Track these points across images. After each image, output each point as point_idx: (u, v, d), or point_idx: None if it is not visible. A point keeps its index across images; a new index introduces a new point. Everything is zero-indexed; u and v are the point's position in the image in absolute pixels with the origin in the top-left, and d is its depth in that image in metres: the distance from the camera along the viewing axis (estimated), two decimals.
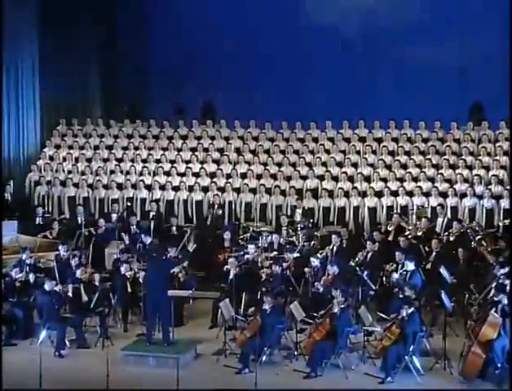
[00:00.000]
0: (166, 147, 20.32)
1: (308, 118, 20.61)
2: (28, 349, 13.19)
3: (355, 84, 21.88)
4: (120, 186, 19.11)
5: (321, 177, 18.70)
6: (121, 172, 19.61)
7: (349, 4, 22.18)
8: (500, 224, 16.80)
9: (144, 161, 19.90)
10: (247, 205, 18.42)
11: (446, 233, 16.33)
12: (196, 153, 19.91)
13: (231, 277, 14.47)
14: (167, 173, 19.35)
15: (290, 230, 16.72)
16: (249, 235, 17.05)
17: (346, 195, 18.10)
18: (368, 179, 18.54)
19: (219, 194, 18.42)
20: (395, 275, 14.08)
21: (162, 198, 18.73)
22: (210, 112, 22.32)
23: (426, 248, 15.50)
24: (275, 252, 15.88)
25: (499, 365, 11.69)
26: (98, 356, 12.62)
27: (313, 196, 18.19)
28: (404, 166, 18.78)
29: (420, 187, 17.77)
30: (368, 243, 15.31)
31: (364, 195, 18.07)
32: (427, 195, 17.69)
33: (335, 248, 15.31)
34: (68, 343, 13.43)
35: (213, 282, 15.72)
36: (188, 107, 22.43)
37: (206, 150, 20.04)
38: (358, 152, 19.50)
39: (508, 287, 12.51)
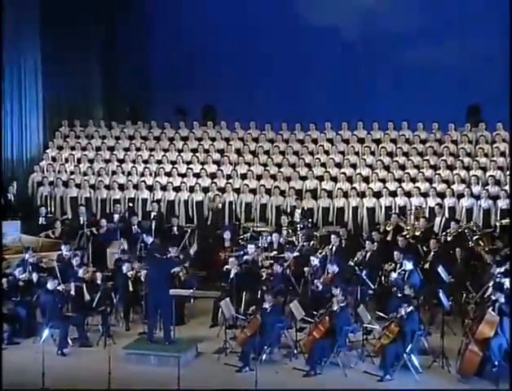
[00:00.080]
0: (167, 148, 20.34)
1: (308, 118, 20.61)
2: (31, 348, 13.18)
3: (354, 84, 21.87)
4: (121, 187, 19.13)
5: (320, 178, 18.72)
6: (123, 173, 19.63)
7: (349, 5, 22.15)
8: (498, 224, 16.80)
9: (146, 162, 19.92)
10: (247, 206, 18.43)
11: (444, 233, 16.35)
12: (196, 154, 19.92)
13: (231, 276, 14.48)
14: (168, 174, 19.37)
15: (290, 231, 16.72)
16: (249, 235, 17.04)
17: (345, 195, 18.11)
18: (366, 180, 18.56)
19: (220, 194, 18.42)
20: (394, 275, 14.07)
21: (163, 198, 18.73)
22: (211, 113, 22.32)
23: (424, 248, 15.49)
24: (275, 252, 15.90)
25: (496, 363, 11.68)
26: (100, 354, 12.64)
27: (312, 197, 18.21)
28: (403, 167, 18.80)
29: (418, 188, 17.79)
30: (366, 242, 15.33)
31: (362, 195, 18.09)
32: (425, 195, 17.72)
33: (334, 247, 15.33)
34: (70, 341, 13.43)
35: (213, 281, 15.74)
36: (189, 109, 22.42)
37: (207, 151, 20.06)
38: (357, 153, 19.51)
39: (505, 286, 12.50)
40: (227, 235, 16.56)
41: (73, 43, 21.70)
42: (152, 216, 17.88)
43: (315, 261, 14.66)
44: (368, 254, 15.06)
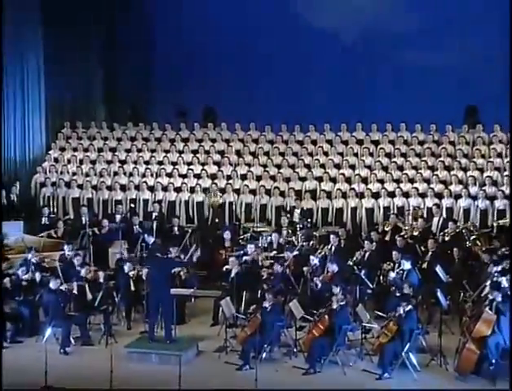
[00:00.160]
0: (168, 150, 20.36)
1: (308, 118, 20.62)
2: (33, 347, 13.19)
3: (354, 85, 21.87)
4: (123, 188, 19.14)
5: (320, 179, 18.73)
6: (125, 173, 19.64)
7: (349, 5, 22.13)
8: (495, 224, 16.82)
9: (147, 163, 19.93)
10: (247, 206, 18.44)
11: (441, 233, 16.36)
12: (197, 155, 19.93)
13: (232, 276, 14.48)
14: (169, 175, 19.38)
15: (290, 231, 16.73)
16: (249, 235, 17.05)
17: (344, 196, 18.11)
18: (365, 181, 18.58)
19: (220, 194, 18.43)
20: (392, 274, 14.07)
21: (164, 199, 18.73)
22: (211, 115, 22.34)
23: (422, 248, 15.51)
24: (275, 252, 15.91)
25: (493, 361, 11.70)
26: (102, 353, 12.66)
27: (312, 197, 18.21)
28: (401, 168, 18.81)
29: (416, 188, 17.81)
30: (365, 242, 15.34)
31: (361, 196, 18.10)
32: (423, 195, 17.73)
33: (333, 247, 15.33)
34: (72, 340, 13.44)
35: (214, 281, 15.74)
36: (189, 109, 22.43)
37: (207, 152, 20.07)
38: (355, 154, 19.52)
39: (502, 285, 12.50)
40: (227, 234, 16.58)
41: (74, 44, 21.68)
42: (154, 216, 17.89)
43: (314, 260, 14.66)
44: (367, 254, 15.06)
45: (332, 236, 15.59)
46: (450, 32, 21.23)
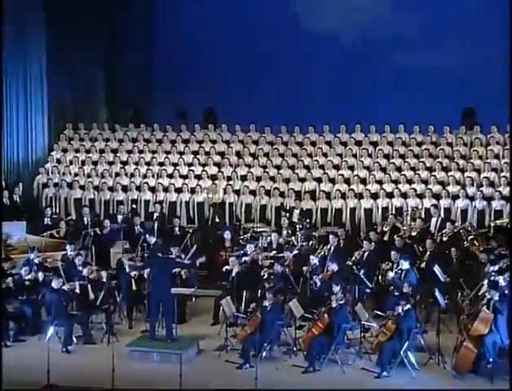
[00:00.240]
0: (169, 151, 20.38)
1: (308, 118, 20.62)
2: (36, 345, 13.18)
3: (354, 85, 21.86)
4: (125, 188, 19.15)
5: (319, 180, 18.74)
6: (126, 174, 19.64)
7: (349, 5, 22.11)
8: (492, 224, 16.82)
9: (148, 164, 19.95)
10: (247, 207, 18.45)
11: (439, 233, 16.37)
12: (197, 156, 19.94)
13: (233, 275, 14.48)
14: (170, 176, 19.39)
15: (290, 231, 16.73)
16: (249, 235, 17.05)
17: (343, 196, 18.12)
18: (364, 181, 18.59)
19: (219, 194, 18.45)
20: (391, 274, 14.05)
21: (165, 199, 18.74)
22: (212, 116, 22.35)
23: (421, 248, 15.51)
24: (275, 252, 15.91)
25: (490, 360, 11.71)
26: (104, 352, 12.61)
27: (311, 198, 18.21)
28: (399, 169, 18.83)
29: (414, 189, 17.82)
30: (364, 242, 15.33)
31: (360, 196, 18.11)
32: (421, 196, 17.73)
33: (332, 247, 15.31)
34: (75, 339, 13.43)
35: (214, 280, 15.73)
36: (189, 109, 22.44)
37: (208, 153, 20.07)
38: (354, 155, 19.52)
39: (499, 284, 12.50)
40: (227, 235, 16.58)
41: (76, 45, 21.67)
42: (155, 216, 17.90)
43: (314, 260, 14.66)
44: (366, 254, 15.05)
45: (331, 236, 15.57)
46: (450, 32, 21.20)
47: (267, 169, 19.22)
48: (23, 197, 18.99)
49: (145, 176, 19.48)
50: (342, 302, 12.62)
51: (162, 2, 23.59)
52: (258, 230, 17.39)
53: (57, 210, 18.93)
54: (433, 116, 19.73)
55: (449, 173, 18.24)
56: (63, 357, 12.84)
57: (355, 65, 22.28)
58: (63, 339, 13.23)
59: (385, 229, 16.63)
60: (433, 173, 18.31)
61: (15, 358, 12.71)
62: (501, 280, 12.64)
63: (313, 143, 20.18)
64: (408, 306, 12.20)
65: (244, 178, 19.10)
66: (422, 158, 18.97)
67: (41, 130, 21.17)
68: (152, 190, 19.01)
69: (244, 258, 15.11)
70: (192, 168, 19.50)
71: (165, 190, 18.89)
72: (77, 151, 20.76)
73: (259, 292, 14.04)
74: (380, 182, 18.38)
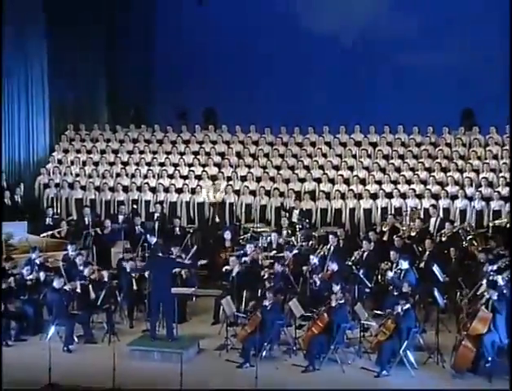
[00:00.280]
0: (170, 151, 20.38)
1: (308, 119, 20.62)
2: (37, 345, 13.19)
3: (354, 86, 21.84)
4: (125, 189, 19.16)
5: (318, 180, 18.74)
6: (127, 175, 19.65)
7: (348, 5, 22.09)
8: (490, 224, 16.83)
9: (149, 165, 19.96)
10: (247, 207, 18.46)
11: (438, 233, 16.37)
12: (198, 157, 19.95)
13: (233, 275, 14.48)
14: (171, 176, 19.40)
15: (290, 231, 16.73)
16: (249, 235, 17.06)
17: (343, 197, 18.13)
18: (363, 182, 18.59)
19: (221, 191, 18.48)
20: (390, 274, 14.07)
21: (166, 199, 18.74)
22: (212, 117, 22.36)
23: (420, 248, 15.51)
24: (274, 252, 15.92)
25: (489, 359, 11.71)
26: (105, 351, 12.61)
27: (311, 198, 18.21)
28: (398, 169, 18.83)
29: (413, 189, 17.81)
30: (363, 242, 15.33)
31: (359, 197, 18.11)
32: (420, 197, 17.74)
33: (332, 247, 15.32)
34: (76, 338, 13.44)
35: (214, 280, 15.74)
36: (191, 112, 22.46)
37: (208, 154, 20.08)
38: (354, 156, 19.53)
39: (498, 283, 12.51)
40: (227, 235, 16.58)
41: (77, 47, 21.67)
42: (155, 217, 17.90)
43: (314, 259, 14.67)
44: (365, 254, 15.06)
45: (331, 236, 15.58)
46: (450, 32, 21.16)
47: (266, 170, 19.23)
48: (24, 197, 19.00)
49: (146, 176, 19.49)
50: (341, 302, 12.63)
51: (162, 2, 23.59)
52: (258, 230, 17.38)
53: (58, 210, 18.95)
54: (432, 117, 19.71)
55: (448, 174, 18.24)
56: (64, 356, 12.84)
57: (354, 65, 22.28)
58: (64, 338, 13.23)
59: (384, 229, 16.63)
60: (432, 174, 18.32)
61: (17, 358, 12.72)
62: (500, 280, 12.66)
63: (313, 144, 20.19)
64: (408, 306, 12.21)
65: (244, 179, 19.10)
66: (421, 159, 18.98)
67: (43, 131, 21.18)
68: (153, 190, 19.02)
69: (244, 258, 15.11)
70: (192, 168, 19.51)
71: (166, 190, 18.90)
72: (78, 151, 20.77)
73: (259, 291, 14.05)
74: (379, 183, 18.38)
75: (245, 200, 18.47)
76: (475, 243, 15.72)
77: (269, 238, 16.36)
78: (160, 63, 23.83)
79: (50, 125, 21.43)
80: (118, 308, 14.67)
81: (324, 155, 19.64)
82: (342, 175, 18.67)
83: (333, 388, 11.64)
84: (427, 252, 15.09)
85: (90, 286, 13.92)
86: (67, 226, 17.50)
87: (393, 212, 17.42)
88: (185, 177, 19.28)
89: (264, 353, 12.57)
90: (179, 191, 18.87)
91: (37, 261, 14.86)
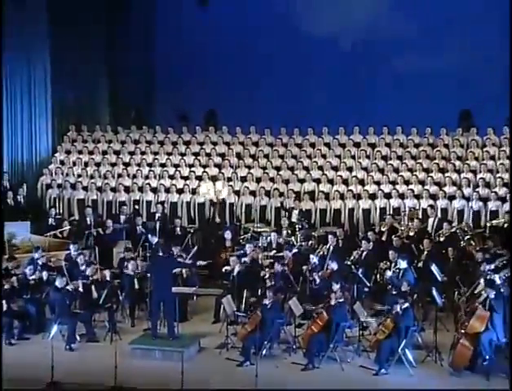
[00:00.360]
0: (171, 152, 20.36)
1: (308, 120, 20.61)
2: (40, 343, 13.20)
3: (354, 87, 21.83)
4: (127, 189, 19.16)
5: (318, 181, 18.74)
6: (128, 175, 19.65)
7: (348, 5, 22.08)
8: (488, 224, 16.83)
9: (150, 165, 19.96)
10: (247, 207, 18.45)
11: (436, 233, 16.37)
12: (198, 157, 19.94)
13: (234, 274, 14.48)
14: (171, 177, 19.40)
15: (289, 231, 16.73)
16: (249, 235, 17.06)
17: (342, 197, 18.12)
18: (362, 182, 18.58)
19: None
20: (389, 273, 14.08)
21: (167, 200, 18.74)
22: (213, 118, 22.36)
23: (418, 248, 15.49)
24: (274, 251, 15.92)
25: (487, 357, 11.71)
26: (107, 349, 12.64)
27: (310, 199, 18.20)
28: (397, 170, 18.83)
29: (411, 190, 17.80)
30: (362, 242, 15.34)
31: (358, 197, 18.11)
32: (418, 197, 17.74)
33: (331, 247, 15.32)
34: (78, 337, 13.45)
35: (215, 279, 15.74)
36: (192, 113, 22.48)
37: (208, 154, 20.08)
38: (353, 157, 19.52)
39: (495, 282, 12.51)
40: (227, 234, 16.58)
41: (79, 49, 21.65)
42: (157, 217, 17.90)
43: (314, 259, 14.68)
44: (364, 253, 15.06)
45: (330, 236, 15.59)
46: (450, 32, 21.10)
47: (266, 170, 19.23)
48: (27, 198, 18.99)
49: (147, 177, 19.49)
50: (340, 300, 12.63)
51: (162, 3, 23.59)
52: (258, 230, 17.37)
53: (60, 211, 18.94)
54: (431, 118, 19.70)
55: (446, 174, 18.23)
56: (66, 354, 12.85)
57: (354, 66, 22.24)
58: (66, 337, 13.25)
59: (383, 229, 16.62)
60: (430, 174, 18.30)
61: (20, 356, 12.75)
62: (497, 279, 12.66)
63: (312, 145, 20.18)
64: (407, 305, 12.21)
65: (244, 179, 19.10)
66: (419, 159, 18.97)
67: (45, 132, 21.19)
68: (154, 190, 19.02)
69: (243, 259, 15.09)
70: (193, 169, 19.50)
71: (167, 190, 18.90)
72: (80, 152, 20.77)
73: (259, 290, 14.05)
74: (378, 183, 18.38)
75: (245, 201, 18.46)
76: (473, 243, 15.71)
77: (269, 238, 16.36)
78: (160, 64, 23.86)
79: (52, 126, 21.43)
80: (120, 307, 14.68)
81: (324, 156, 19.64)
82: (341, 176, 18.66)
83: (332, 385, 11.64)
84: (425, 252, 15.11)
85: (93, 285, 13.92)
86: (69, 226, 17.53)
87: (391, 212, 17.42)
88: (186, 178, 19.28)
89: (264, 352, 12.57)
90: (180, 191, 18.87)
91: (40, 261, 14.86)
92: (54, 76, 21.13)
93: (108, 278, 14.21)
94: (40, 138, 20.99)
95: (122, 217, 17.84)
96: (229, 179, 19.09)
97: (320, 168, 19.15)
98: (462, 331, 11.90)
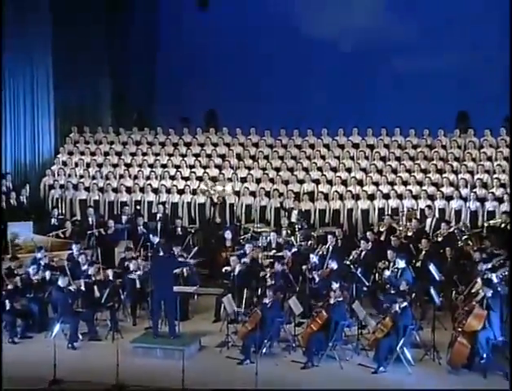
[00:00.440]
0: (172, 153, 20.36)
1: (308, 121, 20.62)
2: (43, 342, 13.21)
3: (354, 88, 21.84)
4: (128, 190, 19.15)
5: (317, 181, 18.74)
6: (130, 176, 19.66)
7: (348, 10, 22.09)
8: (485, 224, 16.83)
9: (151, 166, 19.95)
10: (247, 207, 18.44)
11: (434, 233, 16.37)
12: (199, 158, 19.94)
13: (235, 274, 14.48)
14: (172, 178, 19.40)
15: (289, 231, 16.74)
16: (249, 235, 17.06)
17: (341, 197, 18.12)
18: (361, 183, 18.58)
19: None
20: (387, 273, 14.08)
21: (168, 200, 18.73)
22: (213, 120, 22.37)
23: (416, 247, 15.50)
24: (274, 251, 15.92)
25: (484, 355, 11.72)
26: (108, 348, 12.67)
27: (310, 199, 18.20)
28: (395, 171, 18.83)
29: (410, 191, 17.80)
30: (361, 242, 15.35)
31: (357, 197, 18.09)
32: (416, 197, 17.72)
33: (331, 247, 15.33)
34: (80, 336, 13.46)
35: (216, 279, 15.74)
36: (193, 114, 22.50)
37: (209, 156, 20.08)
38: (351, 158, 19.52)
39: (492, 281, 12.52)
40: (228, 234, 16.59)
41: (82, 51, 21.66)
42: (158, 217, 17.89)
43: (314, 258, 14.68)
44: (363, 253, 15.07)
45: (329, 236, 15.60)
46: (450, 32, 21.07)
47: (266, 171, 19.23)
48: (30, 198, 19.00)
49: (148, 178, 19.49)
50: (339, 299, 12.63)
51: (164, 5, 23.61)
52: (258, 230, 17.37)
53: (63, 211, 18.94)
54: (431, 119, 19.72)
55: (443, 175, 18.23)
56: (68, 353, 12.85)
57: (354, 67, 22.22)
58: (69, 335, 13.25)
59: (381, 229, 16.63)
60: (428, 175, 18.31)
61: (23, 354, 12.77)
62: (494, 278, 12.68)
63: (311, 146, 20.18)
64: (405, 304, 12.21)
65: (244, 180, 19.10)
66: (417, 160, 18.97)
67: (48, 133, 21.20)
68: (155, 191, 19.01)
69: (243, 260, 15.08)
70: (193, 170, 19.51)
71: (168, 191, 18.90)
72: (82, 153, 20.77)
73: (259, 289, 14.05)
74: (376, 184, 18.38)
75: (245, 201, 18.46)
76: (470, 243, 15.72)
77: (268, 238, 16.37)
78: (161, 66, 23.85)
79: (55, 127, 21.44)
80: (122, 306, 14.67)
81: (323, 157, 19.64)
82: (340, 176, 18.66)
83: (331, 383, 11.63)
84: (423, 252, 15.11)
85: (95, 285, 13.92)
86: (71, 226, 17.52)
87: (390, 212, 17.41)
88: (186, 179, 19.28)
89: (264, 350, 12.57)
90: (181, 191, 18.87)
91: (43, 261, 14.87)
92: (56, 77, 21.12)
93: (110, 278, 14.21)
94: (43, 139, 21.00)
95: (124, 218, 17.87)
96: (229, 180, 19.09)
97: (320, 169, 19.15)
98: (460, 329, 11.91)
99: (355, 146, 19.87)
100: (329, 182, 18.69)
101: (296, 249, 15.43)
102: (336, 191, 18.15)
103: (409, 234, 16.24)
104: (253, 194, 18.56)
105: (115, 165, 20.20)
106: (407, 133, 19.95)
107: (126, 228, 17.38)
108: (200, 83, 22.61)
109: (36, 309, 13.93)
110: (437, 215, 17.12)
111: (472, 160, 18.71)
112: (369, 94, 21.84)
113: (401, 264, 14.03)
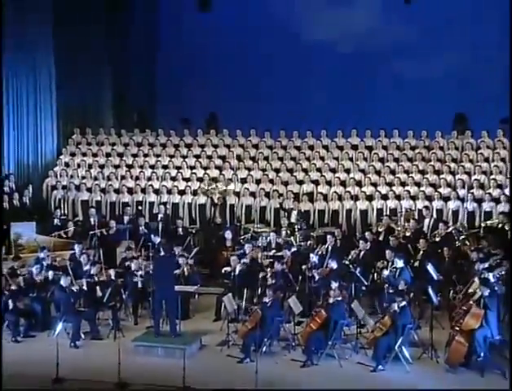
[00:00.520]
0: (173, 154, 20.38)
1: (308, 122, 20.63)
2: (45, 341, 13.20)
3: (353, 88, 21.83)
4: (130, 191, 19.16)
5: (316, 182, 18.75)
6: (131, 177, 19.68)
7: (348, 10, 22.06)
8: (482, 225, 16.84)
9: (152, 167, 19.97)
10: (247, 208, 18.46)
11: (432, 233, 16.37)
12: (200, 160, 19.95)
13: (236, 273, 14.48)
14: (173, 178, 19.42)
15: (289, 231, 16.74)
16: (249, 235, 17.07)
17: (340, 198, 18.13)
18: (359, 184, 18.59)
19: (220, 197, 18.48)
20: (386, 272, 14.07)
21: (169, 201, 18.75)
22: (214, 122, 22.38)
23: (414, 247, 15.50)
24: (274, 251, 15.93)
25: (481, 354, 11.72)
26: (110, 347, 12.66)
27: (309, 200, 18.21)
28: (393, 172, 18.85)
29: (408, 191, 17.81)
30: (360, 242, 15.34)
31: (356, 198, 18.10)
32: (414, 198, 17.74)
33: (330, 247, 15.33)
34: (82, 335, 13.44)
35: (216, 278, 15.75)
36: (194, 115, 22.52)
37: (209, 157, 20.09)
38: (350, 159, 19.54)
39: (489, 281, 12.52)
40: (228, 235, 16.60)
41: (83, 52, 21.65)
42: (159, 217, 17.89)
43: (314, 257, 14.68)
44: (362, 253, 15.07)
45: (328, 236, 15.61)
46: (450, 32, 21.04)
47: (266, 172, 19.24)
48: (33, 199, 19.01)
49: (150, 179, 19.51)
50: (339, 299, 12.63)
51: (164, 7, 23.61)
52: (258, 230, 17.39)
53: (65, 211, 18.94)
54: (429, 120, 19.73)
55: (441, 176, 18.25)
56: (71, 351, 12.83)
57: (354, 68, 22.22)
58: (71, 334, 13.24)
59: (380, 229, 16.63)
60: (425, 176, 18.33)
61: (26, 353, 12.76)
62: (491, 277, 12.68)
63: (311, 147, 20.20)
64: (404, 303, 12.21)
65: (244, 181, 19.11)
66: (415, 161, 18.99)
67: (51, 135, 21.22)
68: (157, 192, 19.02)
69: (243, 260, 15.08)
70: (194, 171, 19.52)
71: (169, 192, 18.91)
72: (84, 154, 20.79)
73: (259, 289, 14.05)
74: (375, 185, 18.39)
75: (246, 202, 18.47)
76: (468, 243, 15.72)
77: (268, 238, 16.38)
78: (161, 67, 23.85)
79: (57, 128, 21.46)
80: (123, 305, 14.67)
81: (322, 158, 19.66)
82: (338, 177, 18.67)
83: (330, 382, 11.64)
84: (421, 252, 15.10)
85: (97, 284, 13.92)
86: (74, 226, 17.52)
87: (388, 213, 17.43)
88: (187, 180, 19.29)
89: (264, 349, 12.57)
90: (182, 192, 18.88)
91: (45, 261, 14.87)
92: (58, 78, 21.12)
93: (112, 278, 14.21)
94: (45, 140, 21.02)
95: (125, 218, 17.88)
96: (230, 181, 19.10)
97: (319, 170, 19.17)
98: (457, 328, 11.92)
99: (354, 147, 19.90)
100: (328, 183, 18.71)
101: (295, 249, 15.43)
102: (335, 192, 18.17)
103: (407, 234, 16.24)
104: (253, 194, 18.57)
105: (117, 166, 20.21)
106: (405, 134, 19.98)
107: (128, 228, 17.39)
108: (200, 83, 22.62)
109: (39, 309, 13.93)
110: (435, 215, 17.13)
111: (469, 161, 18.74)
112: (369, 94, 21.84)
113: (399, 264, 14.02)
